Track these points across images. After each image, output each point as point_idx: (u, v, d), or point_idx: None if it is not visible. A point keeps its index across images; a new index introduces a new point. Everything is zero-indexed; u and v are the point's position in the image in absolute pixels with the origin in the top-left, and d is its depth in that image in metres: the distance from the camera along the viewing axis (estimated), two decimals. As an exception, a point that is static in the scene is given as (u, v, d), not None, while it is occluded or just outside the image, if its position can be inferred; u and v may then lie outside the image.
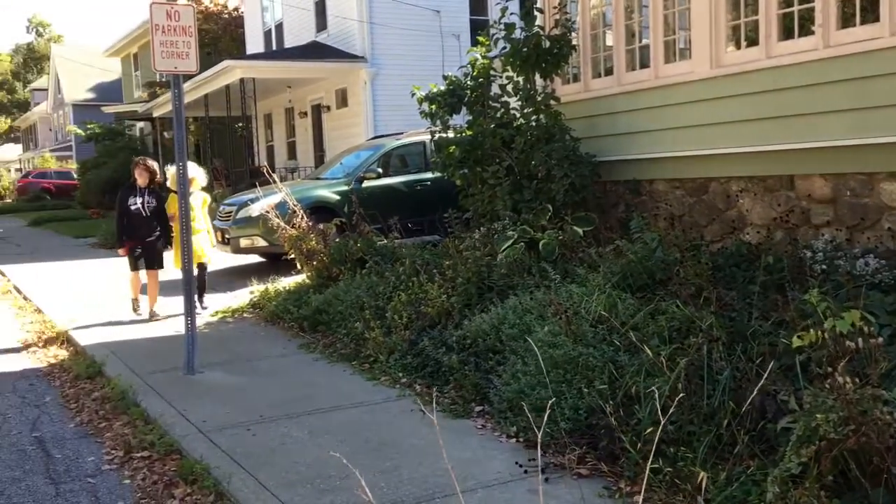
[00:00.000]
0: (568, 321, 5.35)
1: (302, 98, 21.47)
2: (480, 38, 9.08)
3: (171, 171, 8.28)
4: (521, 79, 8.58)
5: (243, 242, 11.05)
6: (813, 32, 6.20)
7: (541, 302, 6.01)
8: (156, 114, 25.64)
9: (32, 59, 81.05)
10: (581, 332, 5.26)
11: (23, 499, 4.51)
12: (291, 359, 7.12)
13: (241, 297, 9.73)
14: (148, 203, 8.79)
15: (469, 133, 8.79)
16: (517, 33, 8.39)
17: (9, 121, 67.48)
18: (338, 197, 11.11)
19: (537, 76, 8.58)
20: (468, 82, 8.98)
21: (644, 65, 7.80)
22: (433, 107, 9.10)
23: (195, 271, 7.88)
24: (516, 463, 4.36)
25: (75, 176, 35.69)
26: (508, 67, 8.60)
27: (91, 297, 10.55)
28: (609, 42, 8.31)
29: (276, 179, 11.35)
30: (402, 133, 12.70)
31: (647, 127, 7.68)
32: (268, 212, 9.77)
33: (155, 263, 8.93)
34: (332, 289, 8.26)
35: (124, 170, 23.78)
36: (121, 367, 6.91)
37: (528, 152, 8.18)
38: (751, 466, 3.77)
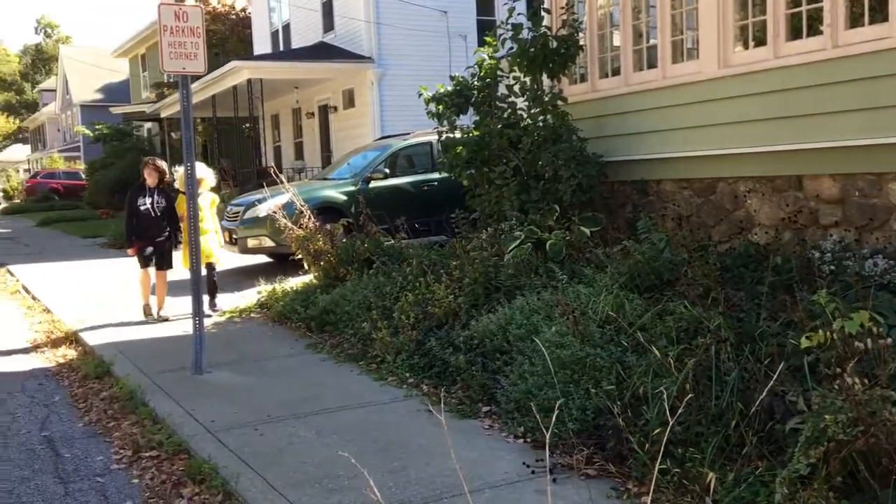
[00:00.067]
0: (575, 322, 5.34)
1: (309, 98, 21.50)
2: (487, 39, 9.07)
3: (179, 171, 8.29)
4: (528, 79, 8.57)
5: (251, 242, 11.08)
6: (821, 32, 6.18)
7: (548, 302, 6.00)
8: (163, 114, 25.73)
9: (41, 60, 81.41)
10: (588, 333, 5.25)
11: (32, 498, 4.53)
12: (299, 359, 7.14)
13: (248, 297, 9.75)
14: (157, 203, 8.81)
15: (476, 133, 8.79)
16: (524, 34, 8.39)
17: (17, 121, 67.77)
18: (345, 197, 11.12)
19: (544, 76, 8.58)
20: (475, 83, 8.98)
21: (651, 65, 7.78)
22: (440, 107, 9.10)
23: (203, 272, 7.90)
24: (524, 463, 4.36)
25: (83, 176, 35.83)
26: (515, 68, 8.59)
27: (99, 297, 10.58)
28: (616, 42, 8.30)
29: (284, 180, 11.38)
30: (409, 133, 12.70)
31: (654, 127, 7.67)
32: (275, 212, 9.78)
33: (164, 264, 8.96)
34: (340, 289, 8.27)
35: (132, 170, 23.91)
36: (129, 367, 6.94)
37: (535, 153, 8.17)
38: (759, 467, 3.76)
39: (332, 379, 6.39)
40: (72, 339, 8.51)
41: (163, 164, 9.03)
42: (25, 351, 8.30)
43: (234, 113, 20.27)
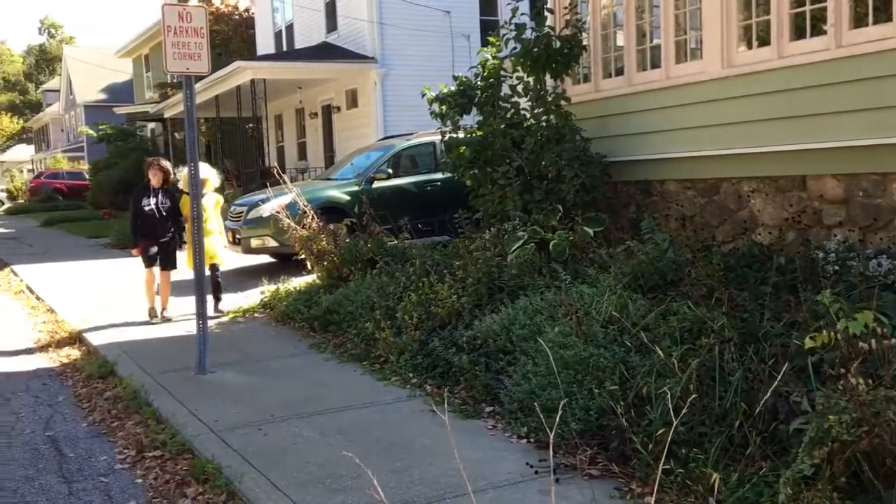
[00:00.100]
0: (579, 322, 5.34)
1: (312, 99, 21.52)
2: (491, 39, 9.07)
3: (183, 172, 8.30)
4: (531, 79, 8.57)
5: (254, 243, 11.09)
6: (825, 32, 6.17)
7: (551, 302, 6.00)
8: (167, 114, 25.76)
9: (44, 61, 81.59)
10: (592, 333, 5.25)
11: (36, 497, 4.54)
12: (302, 359, 7.14)
13: (251, 297, 9.76)
14: (162, 203, 8.80)
15: (479, 133, 8.79)
16: (528, 34, 8.39)
17: (21, 122, 67.91)
18: (348, 197, 11.13)
19: (548, 76, 8.57)
20: (478, 83, 8.97)
21: (655, 65, 7.78)
22: (443, 107, 9.10)
23: (207, 272, 7.89)
24: (527, 463, 4.36)
25: (87, 176, 35.88)
26: (519, 68, 8.59)
27: (103, 298, 10.60)
28: (620, 42, 8.29)
29: (287, 180, 11.39)
30: (412, 133, 12.70)
31: (657, 127, 7.67)
32: (278, 212, 9.79)
33: (168, 264, 8.95)
34: (343, 289, 8.28)
35: (136, 170, 23.94)
36: (133, 367, 6.95)
37: (538, 153, 8.17)
38: (763, 468, 3.75)
39: (335, 379, 6.40)
40: (76, 339, 8.53)
41: (167, 165, 9.03)
42: (29, 351, 8.32)
43: (237, 113, 20.30)
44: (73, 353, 8.07)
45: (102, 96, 45.37)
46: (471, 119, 9.25)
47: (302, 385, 6.27)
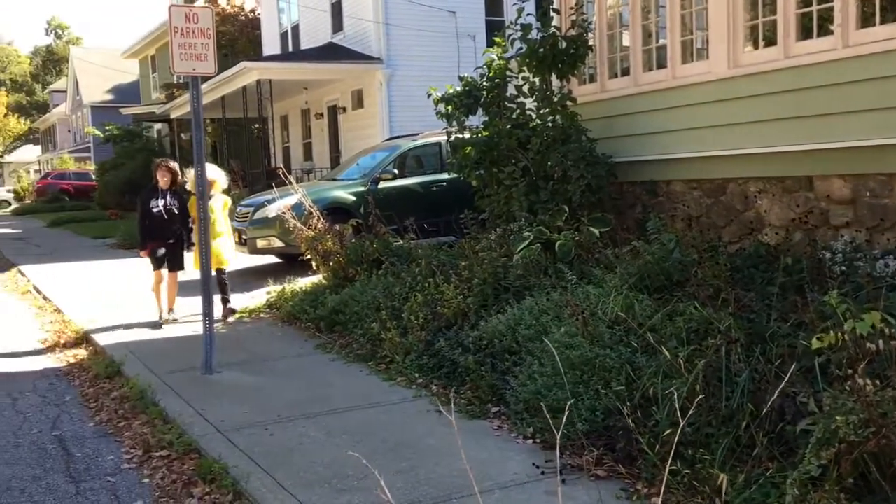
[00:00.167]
0: (585, 322, 5.34)
1: (318, 99, 21.54)
2: (497, 39, 9.07)
3: (191, 173, 8.29)
4: (537, 79, 8.57)
5: (260, 243, 11.11)
6: (832, 32, 6.16)
7: (557, 303, 6.00)
8: (173, 115, 25.82)
9: (51, 62, 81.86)
10: (598, 334, 5.25)
11: (44, 497, 4.55)
12: (308, 359, 7.15)
13: (258, 297, 9.77)
14: (170, 205, 8.75)
15: (485, 134, 8.79)
16: (533, 34, 8.38)
17: (28, 122, 68.14)
18: (354, 198, 11.14)
19: (553, 77, 8.57)
20: (484, 83, 8.97)
21: (661, 65, 7.77)
22: (449, 108, 9.11)
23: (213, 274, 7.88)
24: (533, 464, 4.36)
25: (94, 177, 35.99)
26: (525, 68, 8.59)
27: (110, 298, 10.63)
28: (626, 42, 8.29)
29: (293, 180, 11.39)
30: (417, 134, 12.71)
31: (664, 127, 7.66)
32: (284, 213, 9.79)
33: (176, 265, 8.90)
34: (349, 289, 8.29)
35: (142, 171, 24.01)
36: (139, 367, 6.97)
37: (544, 153, 8.17)
38: (770, 469, 3.75)
39: (341, 379, 6.41)
40: (82, 338, 8.55)
41: (175, 166, 8.98)
42: (37, 351, 8.34)
43: (243, 114, 20.34)
44: (80, 353, 8.09)
45: (109, 97, 45.49)
46: (476, 119, 9.25)
47: (308, 385, 6.28)
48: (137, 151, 28.58)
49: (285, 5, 23.55)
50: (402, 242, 8.93)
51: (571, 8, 8.52)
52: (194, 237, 8.65)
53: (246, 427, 5.29)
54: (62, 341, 8.64)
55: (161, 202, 8.73)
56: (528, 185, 8.17)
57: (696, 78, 7.31)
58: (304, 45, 22.15)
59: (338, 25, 20.35)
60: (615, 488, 4.01)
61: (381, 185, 11.38)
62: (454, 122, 9.07)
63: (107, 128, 31.13)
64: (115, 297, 10.70)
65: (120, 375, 6.93)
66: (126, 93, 43.06)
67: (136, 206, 9.33)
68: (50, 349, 8.36)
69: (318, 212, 9.56)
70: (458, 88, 9.11)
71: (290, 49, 22.99)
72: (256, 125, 19.74)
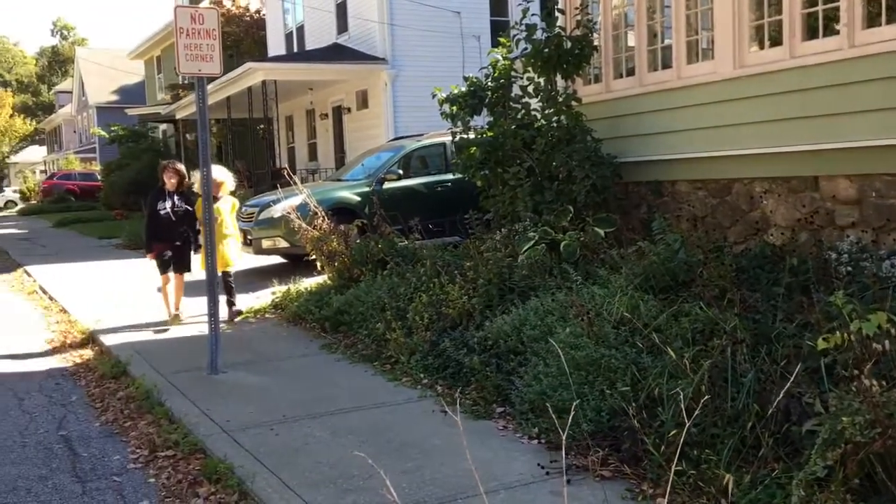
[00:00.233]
0: (590, 323, 5.34)
1: (323, 100, 21.57)
2: (501, 39, 9.07)
3: (198, 175, 8.28)
4: (542, 80, 8.57)
5: (265, 243, 11.12)
6: (838, 32, 6.14)
7: (562, 303, 6.00)
8: (178, 116, 25.88)
9: (57, 62, 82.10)
10: (603, 334, 5.24)
11: (50, 496, 4.57)
12: (313, 359, 7.16)
13: (263, 297, 9.79)
14: (177, 207, 8.70)
15: (490, 134, 8.79)
16: (538, 34, 8.38)
17: (34, 123, 68.35)
18: (359, 198, 11.15)
19: (558, 77, 8.57)
20: (489, 83, 8.97)
21: (666, 65, 7.76)
22: (454, 108, 9.11)
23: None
24: (538, 464, 4.36)
25: (99, 177, 36.10)
26: (529, 68, 8.59)
27: (116, 298, 10.66)
28: (631, 42, 8.28)
29: (298, 181, 11.42)
30: (422, 134, 12.71)
31: (669, 127, 7.65)
32: (289, 213, 9.81)
33: (182, 267, 8.87)
34: (354, 290, 8.29)
35: (148, 171, 24.05)
36: (145, 367, 6.98)
37: (549, 153, 8.16)
38: (775, 469, 3.74)
39: (346, 379, 6.41)
40: (88, 339, 8.57)
41: (182, 168, 8.94)
42: (43, 351, 8.36)
43: (248, 114, 20.38)
44: (86, 353, 8.11)
45: (114, 98, 45.62)
46: (481, 120, 9.26)
47: (313, 385, 6.28)
48: (143, 152, 28.66)
49: (290, 6, 23.58)
50: (406, 243, 8.93)
51: (576, 8, 8.52)
52: (201, 239, 8.64)
53: (251, 427, 5.30)
54: (68, 341, 8.66)
55: (168, 204, 8.68)
56: (533, 185, 8.17)
57: (702, 78, 7.29)
58: (308, 46, 22.18)
59: (343, 26, 20.37)
60: (620, 489, 4.01)
61: (386, 185, 11.39)
62: (459, 123, 9.08)
63: (112, 128, 31.21)
64: (120, 297, 10.73)
65: (126, 375, 6.95)
66: (131, 94, 43.17)
67: (141, 207, 9.32)
68: (56, 349, 8.38)
69: (322, 212, 9.57)
70: (463, 89, 9.11)
71: (295, 50, 23.02)
72: (261, 126, 19.79)
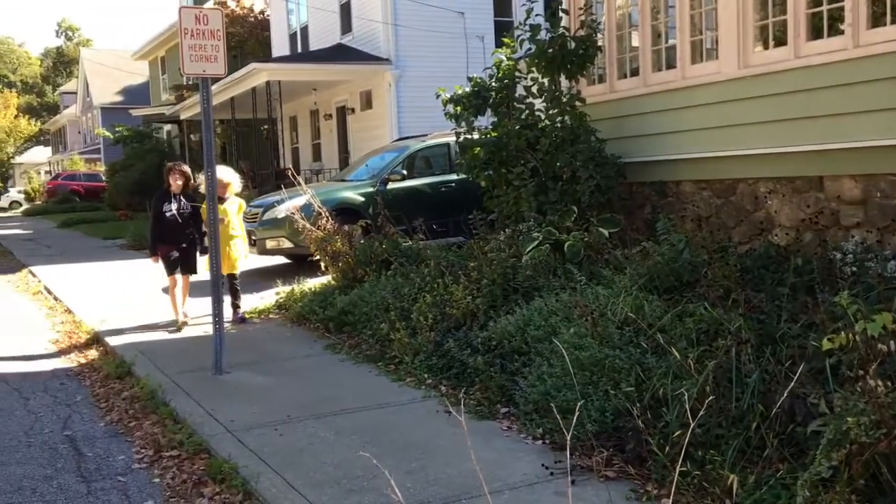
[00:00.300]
0: (594, 323, 5.33)
1: (327, 100, 21.59)
2: (505, 40, 9.07)
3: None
4: (546, 80, 8.57)
5: (269, 244, 11.13)
6: (842, 32, 6.14)
7: (566, 303, 5.99)
8: (183, 116, 25.91)
9: (62, 63, 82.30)
10: (607, 334, 5.24)
11: (55, 496, 4.58)
12: (317, 359, 7.17)
13: (267, 298, 9.80)
14: (183, 209, 8.68)
15: (494, 134, 8.79)
16: (542, 34, 8.38)
17: (39, 124, 68.52)
18: (363, 199, 11.16)
19: (562, 77, 8.56)
20: (493, 84, 8.97)
21: (670, 65, 7.75)
22: (458, 108, 9.11)
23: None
24: (542, 465, 4.36)
25: (104, 178, 36.17)
26: (533, 69, 8.59)
27: (120, 298, 10.68)
28: (635, 43, 8.27)
29: (302, 181, 11.42)
30: (426, 135, 12.71)
31: (673, 128, 7.64)
32: (293, 213, 9.81)
33: (188, 269, 8.83)
34: (358, 290, 8.30)
35: (152, 172, 24.12)
36: (150, 367, 6.99)
37: (553, 153, 8.16)
38: (780, 470, 3.74)
39: (350, 380, 6.42)
40: (93, 339, 8.59)
41: (188, 170, 8.90)
42: (48, 351, 8.38)
43: (252, 115, 20.40)
44: (91, 353, 8.13)
45: (119, 98, 45.70)
46: (485, 120, 9.25)
47: (317, 385, 6.29)
48: (147, 153, 28.71)
49: (294, 7, 23.61)
50: (410, 243, 8.93)
51: (580, 8, 8.51)
52: (207, 241, 8.61)
53: (256, 427, 5.30)
54: (73, 342, 8.68)
55: (174, 206, 8.65)
56: (537, 185, 8.17)
57: (706, 78, 7.29)
58: (312, 47, 22.20)
59: (346, 26, 20.39)
60: (625, 489, 4.01)
61: (390, 185, 11.39)
62: (463, 123, 9.07)
63: (117, 129, 31.29)
64: (125, 297, 10.75)
65: (130, 375, 6.96)
66: (136, 94, 43.24)
67: (146, 208, 9.30)
68: (61, 349, 8.40)
69: (327, 212, 9.58)
70: (467, 89, 9.11)
71: (299, 50, 23.04)
72: (266, 126, 19.80)
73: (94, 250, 17.33)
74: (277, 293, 9.63)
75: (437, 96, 9.31)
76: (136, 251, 15.85)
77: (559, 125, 8.36)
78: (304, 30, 23.05)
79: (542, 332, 5.73)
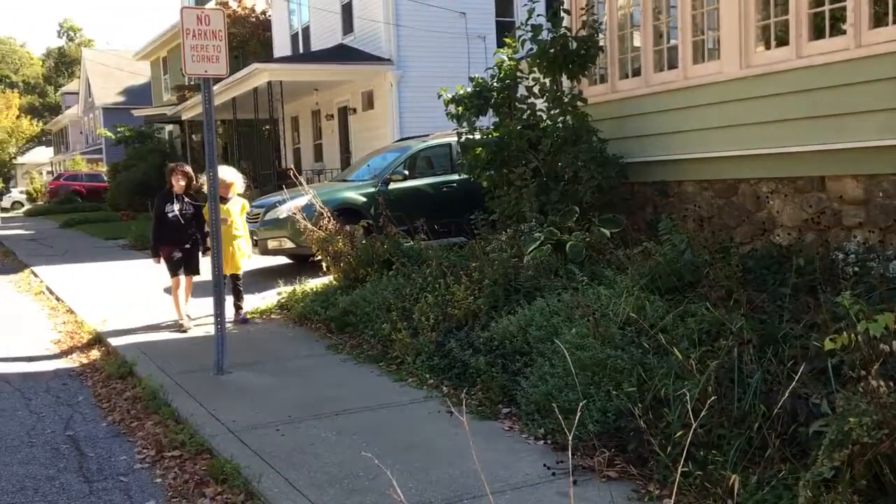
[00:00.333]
0: (596, 323, 5.33)
1: (328, 100, 21.59)
2: (507, 40, 9.07)
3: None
4: (547, 80, 8.57)
5: (271, 244, 11.13)
6: (844, 32, 6.13)
7: (568, 304, 5.99)
8: (185, 116, 25.93)
9: (63, 63, 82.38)
10: (609, 335, 5.24)
11: (57, 496, 4.58)
12: (319, 360, 7.17)
13: (268, 298, 9.80)
14: (185, 210, 8.66)
15: (495, 135, 8.79)
16: (544, 35, 8.38)
17: (41, 124, 68.58)
18: (364, 199, 11.16)
19: (564, 77, 8.57)
20: (494, 84, 8.98)
21: (672, 65, 7.75)
22: (460, 108, 9.11)
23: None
24: (544, 465, 4.36)
25: (106, 178, 36.20)
26: (535, 69, 8.59)
27: (122, 298, 10.68)
28: (636, 43, 8.27)
29: (303, 181, 11.42)
30: (428, 135, 12.71)
31: (675, 128, 7.64)
32: (295, 214, 9.82)
33: (191, 269, 8.81)
34: (359, 290, 8.30)
35: (154, 172, 24.11)
36: (152, 368, 7.00)
37: (554, 154, 8.17)
38: (782, 470, 3.73)
39: (352, 380, 6.42)
40: (95, 339, 8.59)
41: (190, 170, 8.89)
42: (50, 351, 8.39)
43: (254, 115, 20.41)
44: (93, 353, 8.13)
45: (121, 99, 45.74)
46: (487, 120, 9.25)
47: (319, 386, 6.29)
48: (149, 153, 28.72)
49: (296, 7, 23.62)
50: (412, 243, 8.93)
51: (582, 8, 8.52)
52: (210, 241, 8.60)
53: (258, 427, 5.31)
54: (75, 342, 8.69)
55: (176, 207, 8.62)
56: (539, 185, 8.17)
57: (708, 78, 7.28)
58: (314, 47, 22.21)
59: (348, 27, 20.40)
60: (627, 489, 4.01)
61: (392, 186, 11.38)
62: (465, 123, 9.08)
63: (118, 129, 31.31)
64: (127, 297, 10.75)
65: (132, 376, 6.97)
66: (138, 94, 43.28)
67: (147, 208, 9.30)
68: (63, 350, 8.41)
69: (328, 213, 9.58)
70: (469, 89, 9.12)
71: (301, 50, 23.05)
72: (267, 126, 19.81)
73: (96, 251, 17.34)
74: (279, 293, 9.63)
75: (439, 96, 9.31)
76: (139, 251, 15.87)
77: (561, 125, 8.36)
78: (306, 30, 23.06)
79: (543, 333, 5.72)
